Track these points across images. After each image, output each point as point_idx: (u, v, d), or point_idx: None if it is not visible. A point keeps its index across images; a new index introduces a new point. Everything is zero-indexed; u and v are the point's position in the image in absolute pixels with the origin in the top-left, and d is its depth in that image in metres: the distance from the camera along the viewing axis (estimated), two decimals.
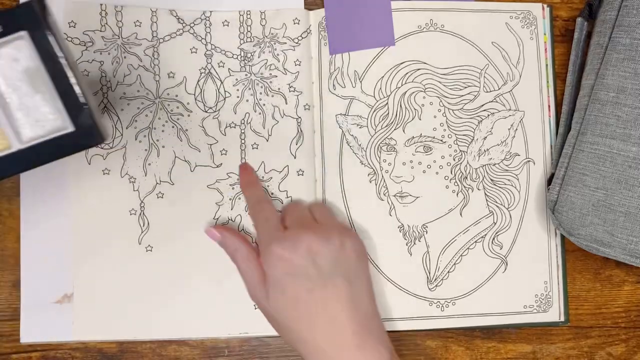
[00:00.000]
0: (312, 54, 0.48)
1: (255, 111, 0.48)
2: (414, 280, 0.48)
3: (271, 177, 0.47)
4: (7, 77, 0.31)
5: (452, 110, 0.49)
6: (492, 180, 0.49)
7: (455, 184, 0.49)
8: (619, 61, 0.45)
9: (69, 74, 0.31)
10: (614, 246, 0.45)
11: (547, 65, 0.50)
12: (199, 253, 0.46)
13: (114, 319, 0.45)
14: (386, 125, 0.48)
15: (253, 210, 0.45)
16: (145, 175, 0.46)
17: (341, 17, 0.49)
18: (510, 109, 0.50)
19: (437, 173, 0.49)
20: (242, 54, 0.48)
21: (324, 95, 0.48)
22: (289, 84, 0.48)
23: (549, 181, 0.48)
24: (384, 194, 0.48)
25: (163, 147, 0.46)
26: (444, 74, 0.49)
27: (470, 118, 0.49)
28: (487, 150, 0.49)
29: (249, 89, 0.48)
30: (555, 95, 0.50)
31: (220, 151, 0.47)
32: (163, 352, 0.46)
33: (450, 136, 0.49)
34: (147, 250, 0.46)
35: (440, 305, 0.48)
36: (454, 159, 0.49)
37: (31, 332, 0.45)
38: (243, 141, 0.47)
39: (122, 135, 0.46)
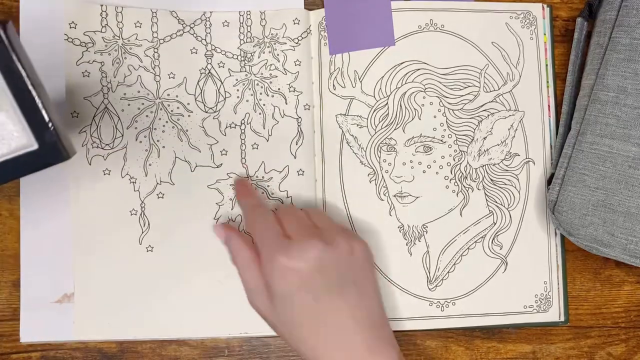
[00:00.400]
0: (312, 54, 0.49)
1: (255, 111, 0.48)
2: (414, 280, 0.48)
3: (271, 177, 0.47)
4: None
5: (452, 110, 0.49)
6: (492, 180, 0.49)
7: (455, 184, 0.49)
8: (619, 61, 0.45)
9: (33, 92, 0.31)
10: (614, 246, 0.45)
11: (547, 65, 0.50)
12: (199, 253, 0.46)
13: (114, 318, 0.45)
14: (386, 125, 0.49)
15: (250, 219, 0.44)
16: (146, 176, 0.46)
17: (341, 17, 0.49)
18: (510, 109, 0.50)
19: (437, 173, 0.49)
20: (242, 54, 0.48)
21: (324, 95, 0.49)
22: (289, 84, 0.48)
23: (549, 181, 0.48)
24: (384, 194, 0.48)
25: (163, 147, 0.47)
26: (444, 74, 0.49)
27: (470, 118, 0.49)
28: (487, 150, 0.49)
29: (249, 89, 0.48)
30: (555, 95, 0.50)
31: (221, 151, 0.47)
32: (163, 352, 0.46)
33: (450, 136, 0.49)
34: (147, 251, 0.46)
35: (440, 305, 0.48)
36: (454, 159, 0.49)
37: (31, 332, 0.45)
38: (243, 141, 0.47)
39: (122, 135, 0.46)
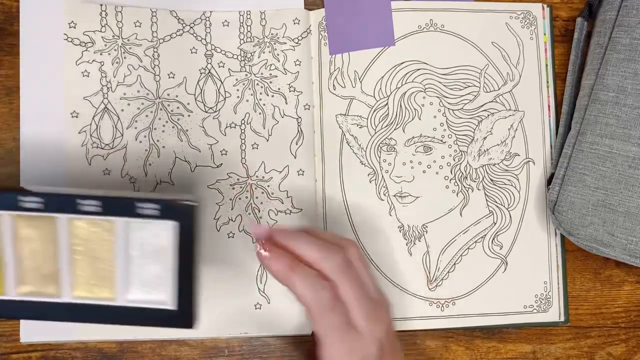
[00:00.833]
0: (312, 54, 0.48)
1: (255, 111, 0.48)
2: (414, 280, 0.48)
3: (271, 177, 0.47)
4: (143, 243, 0.35)
5: (452, 110, 0.49)
6: (492, 180, 0.49)
7: (455, 184, 0.49)
8: (619, 61, 0.45)
9: (194, 269, 0.35)
10: (614, 246, 0.45)
11: (547, 65, 0.50)
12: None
13: None
14: (386, 125, 0.48)
15: (301, 290, 0.36)
16: (146, 176, 0.46)
17: (341, 17, 0.49)
18: (510, 109, 0.50)
19: (437, 173, 0.49)
20: (242, 54, 0.48)
21: (324, 95, 0.49)
22: (289, 84, 0.48)
23: (549, 181, 0.48)
24: (384, 194, 0.48)
25: (163, 147, 0.47)
26: (444, 74, 0.49)
27: (470, 118, 0.49)
28: (487, 150, 0.49)
29: (249, 89, 0.48)
30: (555, 95, 0.50)
31: (221, 151, 0.47)
32: (163, 352, 0.46)
33: (450, 136, 0.49)
34: None
35: (440, 305, 0.48)
36: (454, 159, 0.49)
37: (31, 332, 0.45)
38: (243, 141, 0.47)
39: (122, 135, 0.46)
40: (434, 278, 0.48)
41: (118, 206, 0.35)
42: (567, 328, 0.50)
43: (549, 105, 0.50)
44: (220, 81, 0.47)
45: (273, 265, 0.37)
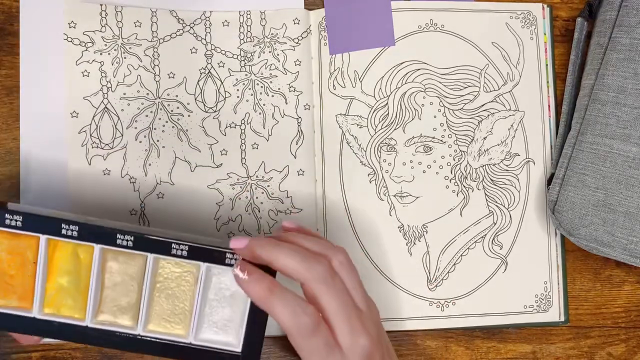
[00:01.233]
0: (312, 54, 0.48)
1: (255, 111, 0.48)
2: (414, 280, 0.48)
3: (271, 177, 0.47)
4: (221, 288, 0.37)
5: (452, 110, 0.49)
6: (492, 180, 0.49)
7: (455, 184, 0.49)
8: (619, 61, 0.45)
9: (263, 317, 0.37)
10: (614, 246, 0.45)
11: (547, 65, 0.50)
12: None
13: None
14: (386, 125, 0.48)
15: (280, 312, 0.35)
16: (146, 176, 0.46)
17: (341, 17, 0.49)
18: (510, 109, 0.50)
19: (437, 173, 0.49)
20: (242, 54, 0.48)
21: (324, 95, 0.49)
22: (289, 84, 0.48)
23: (549, 181, 0.48)
24: (384, 194, 0.48)
25: (163, 147, 0.47)
26: (444, 74, 0.49)
27: (470, 118, 0.49)
28: (487, 150, 0.49)
29: (249, 89, 0.48)
30: (555, 95, 0.50)
31: (221, 151, 0.47)
32: None
33: (450, 136, 0.49)
34: None
35: (440, 305, 0.48)
36: (454, 159, 0.49)
37: None
38: (243, 141, 0.47)
39: (122, 135, 0.46)
40: (434, 278, 0.48)
41: (206, 254, 0.37)
42: (567, 328, 0.50)
43: (549, 105, 0.50)
44: (220, 81, 0.47)
45: (251, 289, 0.35)
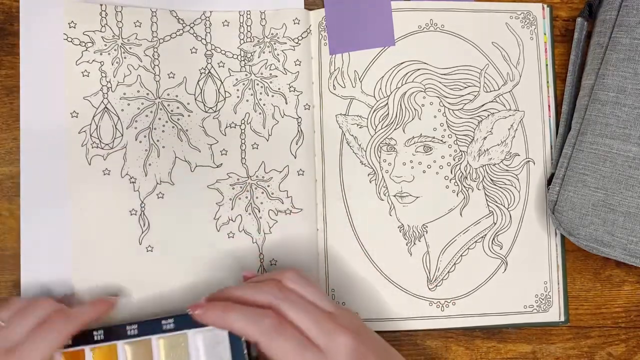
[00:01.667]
0: (312, 54, 0.48)
1: (255, 111, 0.48)
2: (414, 280, 0.48)
3: (271, 177, 0.47)
4: (207, 340, 0.40)
5: (452, 110, 0.49)
6: (492, 180, 0.49)
7: (455, 184, 0.49)
8: (619, 61, 0.45)
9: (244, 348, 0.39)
10: (614, 246, 0.45)
11: (547, 65, 0.50)
12: (199, 253, 0.46)
13: (114, 318, 0.45)
14: (386, 125, 0.48)
15: (253, 328, 0.36)
16: (146, 176, 0.46)
17: (341, 17, 0.49)
18: (510, 109, 0.50)
19: (437, 173, 0.49)
20: (242, 54, 0.48)
21: (324, 95, 0.49)
22: (289, 84, 0.48)
23: (549, 181, 0.48)
24: (384, 194, 0.48)
25: (163, 147, 0.47)
26: (444, 74, 0.49)
27: (470, 118, 0.49)
28: (487, 150, 0.49)
29: (249, 89, 0.48)
30: (555, 95, 0.50)
31: (221, 151, 0.47)
32: None
33: (450, 136, 0.49)
34: (147, 251, 0.46)
35: (440, 305, 0.48)
36: (454, 159, 0.49)
37: None
38: (243, 141, 0.47)
39: (122, 135, 0.46)
40: (434, 278, 0.48)
41: (190, 322, 0.39)
42: (567, 328, 0.50)
43: (549, 105, 0.50)
44: (220, 81, 0.47)
45: (208, 317, 0.37)
